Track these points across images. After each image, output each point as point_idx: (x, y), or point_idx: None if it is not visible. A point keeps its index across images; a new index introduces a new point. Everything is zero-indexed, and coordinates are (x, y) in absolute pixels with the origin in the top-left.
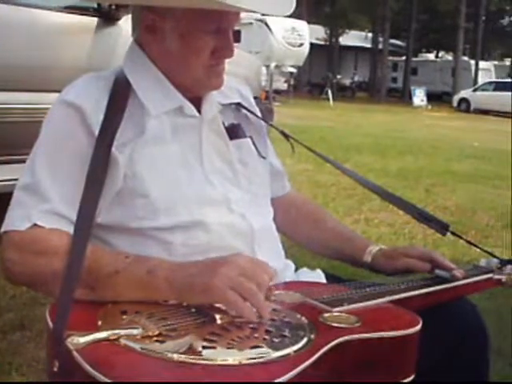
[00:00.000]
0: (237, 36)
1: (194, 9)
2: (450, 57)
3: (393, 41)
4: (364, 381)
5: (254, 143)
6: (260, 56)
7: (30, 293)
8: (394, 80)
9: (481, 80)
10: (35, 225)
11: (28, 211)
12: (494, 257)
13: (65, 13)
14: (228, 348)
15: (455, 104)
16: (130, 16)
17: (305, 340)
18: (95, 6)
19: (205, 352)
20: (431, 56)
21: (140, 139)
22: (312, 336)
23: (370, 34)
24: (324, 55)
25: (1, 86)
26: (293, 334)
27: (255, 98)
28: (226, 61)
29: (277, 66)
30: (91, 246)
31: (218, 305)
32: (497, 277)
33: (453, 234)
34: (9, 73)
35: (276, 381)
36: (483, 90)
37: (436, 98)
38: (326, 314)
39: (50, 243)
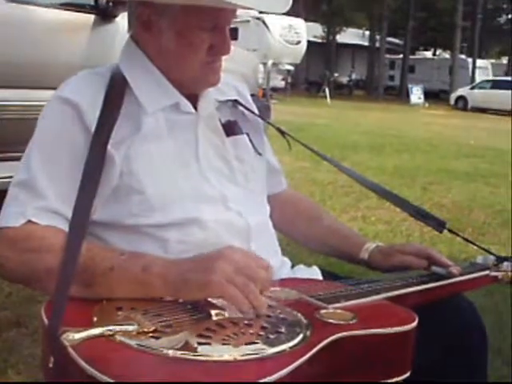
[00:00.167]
0: (234, 33)
1: (191, 5)
2: (447, 55)
3: (390, 39)
4: (360, 378)
5: (250, 140)
6: (257, 54)
7: (27, 290)
8: (392, 78)
9: (478, 78)
10: (30, 221)
11: (23, 208)
12: (491, 254)
13: (61, 10)
14: (223, 344)
15: (452, 102)
16: (127, 13)
17: (300, 336)
18: (92, 2)
19: (200, 348)
20: (428, 54)
21: (136, 136)
22: (308, 332)
23: (367, 32)
24: (321, 53)
25: None
26: (288, 330)
27: (252, 95)
28: (223, 58)
29: (274, 64)
30: (86, 242)
31: (213, 301)
32: (493, 274)
33: (450, 231)
34: (5, 70)
35: (271, 377)
36: (480, 88)
37: (433, 96)
38: (322, 311)
39: (44, 240)
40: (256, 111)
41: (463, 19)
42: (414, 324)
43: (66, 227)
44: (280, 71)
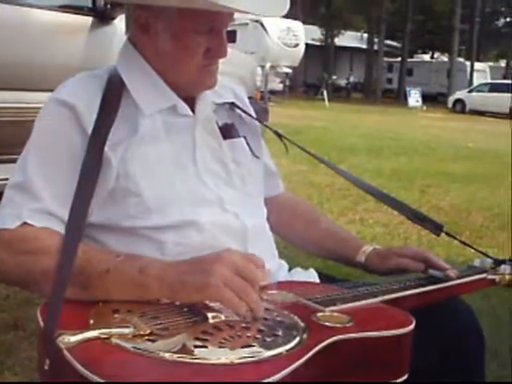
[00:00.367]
0: (232, 36)
1: (187, 9)
2: (445, 58)
3: (388, 42)
4: (357, 380)
5: (247, 143)
6: (255, 56)
7: (24, 293)
8: (390, 81)
9: (476, 81)
10: (25, 223)
11: (18, 210)
12: (488, 257)
13: (59, 12)
14: (220, 347)
15: (450, 105)
16: (124, 15)
17: (297, 339)
18: (90, 5)
19: (197, 351)
20: (426, 57)
21: (133, 138)
22: (304, 335)
23: (365, 35)
24: (319, 56)
25: None
26: (285, 333)
27: (250, 98)
28: (221, 61)
29: (272, 67)
30: (83, 245)
31: (210, 304)
32: (491, 277)
33: (447, 234)
34: (2, 71)
35: (268, 380)
36: (478, 91)
37: (431, 99)
38: (319, 314)
39: (40, 242)
40: (253, 114)
41: (461, 22)
42: (411, 327)
43: (61, 229)
44: (278, 74)
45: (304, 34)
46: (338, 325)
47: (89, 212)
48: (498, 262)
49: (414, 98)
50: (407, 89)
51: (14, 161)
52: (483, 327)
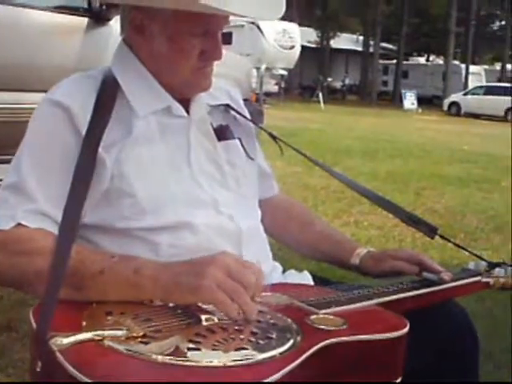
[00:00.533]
0: (228, 38)
1: (182, 11)
2: (440, 61)
3: (384, 44)
4: (350, 383)
5: (242, 145)
6: (251, 58)
7: (18, 294)
8: (385, 83)
9: (471, 84)
10: (19, 224)
11: (12, 211)
12: (483, 260)
13: (55, 12)
14: (213, 349)
15: (445, 108)
16: None
17: (291, 342)
18: (86, 5)
19: (190, 353)
20: (422, 60)
21: (127, 139)
22: (298, 338)
23: (361, 37)
24: (315, 58)
25: None
26: (279, 335)
27: (245, 99)
28: (216, 62)
29: (268, 69)
30: (76, 245)
31: (203, 306)
32: (485, 280)
33: (441, 237)
34: None
35: (261, 382)
36: (473, 94)
37: (426, 102)
38: (313, 316)
39: (34, 243)
40: (248, 116)
41: (457, 25)
42: (405, 330)
43: (55, 230)
44: (274, 76)
45: (300, 36)
46: (332, 327)
47: (82, 213)
48: (492, 265)
49: (410, 100)
50: (402, 91)
51: (8, 161)
52: (478, 329)
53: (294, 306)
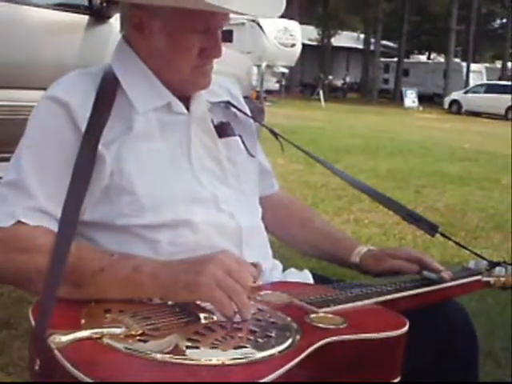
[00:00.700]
0: (229, 36)
1: (182, 8)
2: (441, 59)
3: (385, 42)
4: (349, 382)
5: (242, 141)
6: (252, 56)
7: (18, 291)
8: (386, 81)
9: (472, 82)
10: (19, 222)
11: (12, 208)
12: (483, 259)
13: (55, 10)
14: (212, 348)
15: (446, 106)
16: None
17: (290, 341)
18: (86, 3)
19: (188, 352)
20: (423, 58)
21: (127, 136)
22: (297, 337)
23: (362, 35)
24: (316, 56)
25: None
26: (278, 334)
27: (246, 97)
28: (217, 60)
29: (268, 66)
30: (76, 243)
31: (202, 304)
32: (485, 279)
33: (442, 235)
34: None
35: (259, 381)
36: (474, 92)
37: (427, 100)
38: (313, 315)
39: (33, 240)
40: (248, 113)
41: (457, 23)
42: (405, 329)
43: (55, 227)
44: (274, 74)
45: (300, 33)
46: (332, 326)
47: (82, 210)
48: (492, 264)
49: (410, 98)
50: (403, 89)
51: (8, 159)
52: (478, 328)
53: (293, 304)
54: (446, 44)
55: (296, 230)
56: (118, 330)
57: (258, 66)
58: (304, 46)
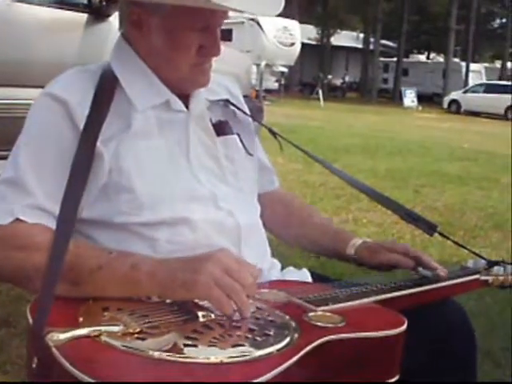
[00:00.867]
0: (228, 35)
1: (181, 6)
2: (441, 58)
3: (384, 41)
4: (348, 380)
5: (241, 140)
6: (251, 55)
7: (16, 290)
8: (385, 81)
9: (471, 82)
10: (18, 219)
11: (10, 205)
12: (482, 258)
13: (54, 8)
14: (210, 346)
15: (445, 105)
16: None
17: (288, 339)
18: (85, 1)
19: (186, 350)
20: (422, 57)
21: (126, 134)
22: (296, 335)
23: (361, 35)
24: (315, 55)
25: None
26: (276, 332)
27: (245, 96)
28: (216, 58)
29: (268, 65)
30: (74, 241)
31: (200, 302)
32: (483, 278)
33: (440, 234)
34: None
35: (258, 380)
36: (473, 91)
37: (426, 99)
38: (311, 314)
39: (32, 238)
40: (247, 111)
41: (457, 23)
42: (403, 328)
43: (54, 225)
44: (274, 73)
45: (300, 33)
46: (330, 325)
47: (80, 207)
48: (491, 264)
49: (410, 98)
50: (403, 89)
51: (6, 157)
52: (477, 328)
53: (292, 302)
54: (446, 44)
55: (296, 226)
56: (115, 328)
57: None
58: (303, 45)
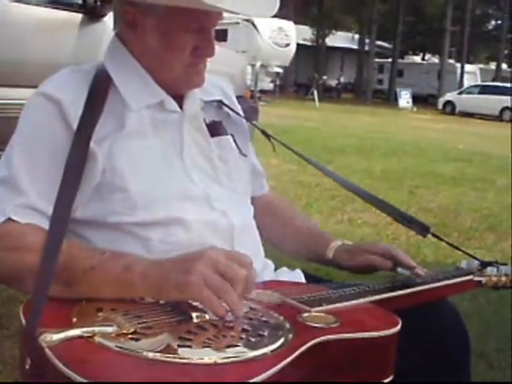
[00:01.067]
0: (223, 35)
1: (176, 7)
2: (436, 59)
3: (379, 42)
4: (342, 381)
5: (234, 141)
6: (246, 55)
7: (9, 290)
8: (380, 82)
9: (466, 83)
10: (10, 219)
11: (2, 205)
12: (475, 259)
13: (49, 8)
14: (204, 347)
15: (440, 106)
16: None
17: (282, 340)
18: (80, 1)
19: (180, 350)
20: (417, 58)
21: (119, 133)
22: (290, 336)
23: (356, 36)
24: (310, 56)
25: None
26: (270, 333)
27: (240, 96)
28: (211, 59)
29: (263, 66)
30: (67, 241)
31: (194, 303)
32: (477, 279)
33: (434, 235)
34: None
35: (252, 380)
36: (468, 93)
37: (421, 101)
38: (305, 314)
39: (24, 238)
40: (241, 112)
41: (452, 24)
42: (397, 328)
43: (46, 225)
44: (269, 73)
45: (295, 33)
46: (324, 325)
47: (73, 207)
48: (484, 264)
49: (405, 99)
50: (398, 90)
51: None
52: (470, 328)
53: (285, 303)
54: (441, 45)
55: (279, 229)
56: (109, 329)
57: (253, 66)
58: (298, 45)
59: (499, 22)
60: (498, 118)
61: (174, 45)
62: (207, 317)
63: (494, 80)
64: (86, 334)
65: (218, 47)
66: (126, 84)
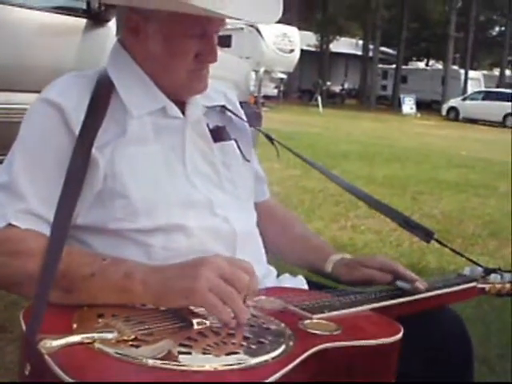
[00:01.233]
0: (227, 41)
1: (179, 13)
2: (439, 65)
3: (383, 48)
4: None
5: (238, 146)
6: (250, 61)
7: (12, 295)
8: (384, 88)
9: (470, 89)
10: (10, 224)
11: (3, 210)
12: (478, 265)
13: (53, 13)
14: (204, 354)
15: (444, 113)
16: None
17: (284, 347)
18: (84, 6)
19: (181, 357)
20: (421, 64)
21: (121, 139)
22: (291, 343)
23: (360, 42)
24: (314, 62)
25: None
26: (272, 340)
27: (244, 102)
28: (215, 65)
29: (267, 72)
30: (68, 247)
31: (195, 310)
32: (480, 286)
33: (437, 241)
34: None
35: None
36: (472, 99)
37: (425, 107)
38: (307, 321)
39: (24, 244)
40: (244, 117)
41: (456, 30)
42: (399, 336)
43: (47, 231)
44: (273, 79)
45: (299, 39)
46: (326, 333)
47: (75, 214)
48: (488, 271)
49: (408, 105)
50: (401, 96)
51: (1, 162)
52: (474, 335)
53: (287, 310)
54: (445, 51)
55: (277, 237)
56: (109, 335)
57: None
58: (302, 51)
59: (503, 28)
60: (502, 124)
61: (177, 51)
62: (208, 323)
63: (497, 86)
64: (85, 341)
65: (222, 53)
66: (128, 90)
